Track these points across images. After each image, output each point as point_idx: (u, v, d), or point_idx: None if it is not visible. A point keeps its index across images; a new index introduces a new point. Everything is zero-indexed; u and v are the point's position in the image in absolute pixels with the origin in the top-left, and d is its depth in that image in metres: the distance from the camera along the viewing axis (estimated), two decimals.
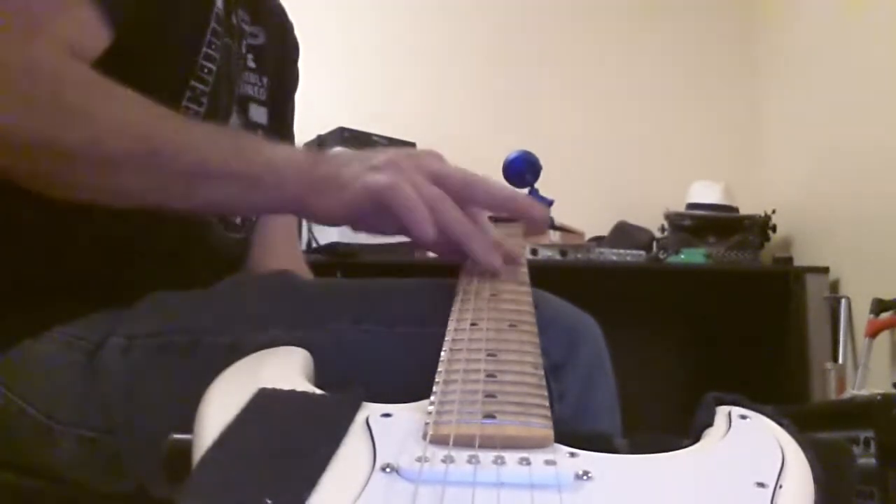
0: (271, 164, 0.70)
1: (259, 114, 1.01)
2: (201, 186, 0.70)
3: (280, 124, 1.07)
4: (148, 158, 0.69)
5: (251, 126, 1.00)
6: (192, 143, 0.70)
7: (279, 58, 1.07)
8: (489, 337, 0.58)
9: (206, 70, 0.87)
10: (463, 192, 0.69)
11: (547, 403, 0.49)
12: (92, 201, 0.71)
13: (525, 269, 0.71)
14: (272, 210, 0.83)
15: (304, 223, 2.58)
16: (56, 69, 0.71)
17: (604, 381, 0.72)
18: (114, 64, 0.78)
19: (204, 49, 0.87)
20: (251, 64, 1.01)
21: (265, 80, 1.02)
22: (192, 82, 0.86)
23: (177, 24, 0.85)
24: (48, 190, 0.71)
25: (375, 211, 0.67)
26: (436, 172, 0.69)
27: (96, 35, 0.77)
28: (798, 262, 2.99)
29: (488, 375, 0.52)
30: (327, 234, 2.55)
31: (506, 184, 1.07)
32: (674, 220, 3.02)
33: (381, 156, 0.69)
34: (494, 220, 0.91)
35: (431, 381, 0.52)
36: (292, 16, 1.12)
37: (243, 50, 0.99)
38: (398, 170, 0.67)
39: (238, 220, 0.97)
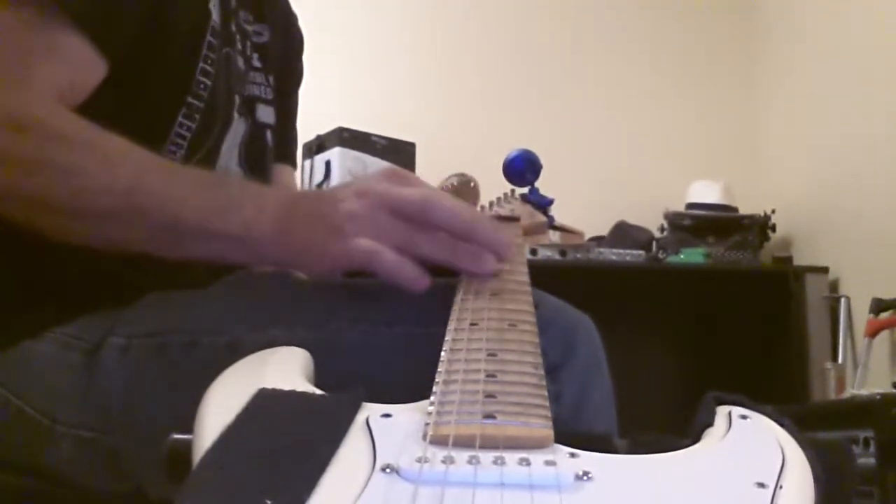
0: (248, 226, 0.69)
1: (266, 114, 1.01)
2: (185, 242, 0.71)
3: (285, 122, 1.07)
4: (131, 214, 0.69)
5: (259, 127, 1.00)
6: (175, 199, 0.69)
7: (284, 54, 1.07)
8: (489, 337, 0.58)
9: (202, 86, 0.87)
10: (421, 216, 0.69)
11: (547, 403, 0.49)
12: (82, 245, 0.71)
13: (525, 269, 0.71)
14: (261, 266, 0.80)
15: None
16: (41, 123, 0.71)
17: (600, 382, 0.72)
18: (109, 87, 0.78)
19: (200, 65, 0.87)
20: (256, 63, 1.01)
21: (271, 78, 1.02)
22: (189, 99, 0.86)
23: (172, 45, 0.85)
24: (38, 232, 0.71)
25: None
26: (394, 202, 0.68)
27: (91, 69, 0.77)
28: (798, 262, 2.99)
29: (488, 375, 0.52)
30: None
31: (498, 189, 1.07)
32: (673, 219, 3.02)
33: (342, 207, 0.69)
34: (492, 218, 0.91)
35: (431, 381, 0.52)
36: (301, 29, 1.12)
37: (248, 51, 0.99)
38: (361, 222, 0.68)
39: None
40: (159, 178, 0.71)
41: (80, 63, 0.76)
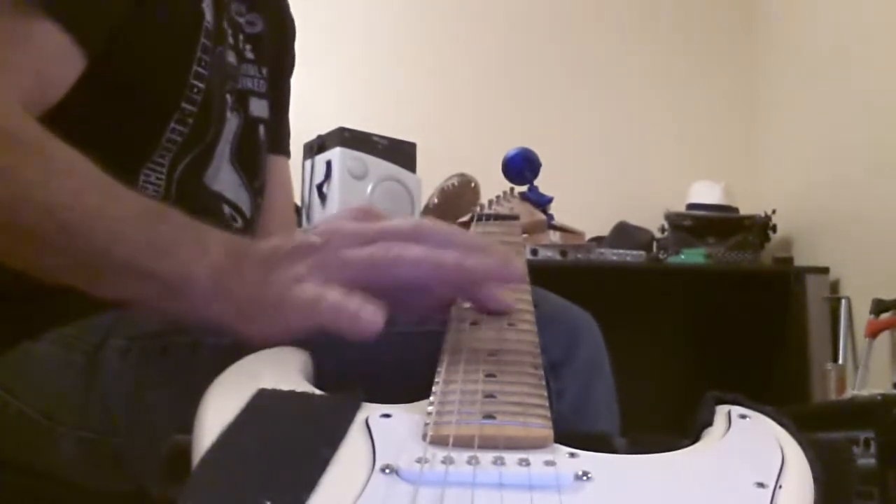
0: (183, 272, 0.61)
1: (259, 107, 1.01)
2: (108, 278, 0.63)
3: (278, 112, 1.06)
4: (55, 235, 0.62)
5: (252, 121, 0.99)
6: (106, 227, 0.62)
7: (277, 43, 1.06)
8: (489, 336, 0.58)
9: (195, 90, 0.86)
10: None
11: (547, 404, 0.49)
12: (9, 266, 0.66)
13: (525, 269, 0.71)
14: (200, 322, 0.64)
15: (304, 220, 2.58)
16: None
17: (602, 379, 0.72)
18: (101, 91, 0.77)
19: (194, 68, 0.85)
20: (249, 55, 0.99)
21: (265, 70, 1.01)
22: (183, 104, 0.85)
23: (165, 49, 0.84)
24: None
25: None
26: (372, 233, 0.60)
27: (67, 62, 0.73)
28: (798, 263, 2.99)
29: (488, 375, 0.52)
30: None
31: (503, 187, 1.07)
32: (674, 220, 3.02)
33: (303, 253, 0.60)
34: (491, 217, 0.90)
35: (431, 381, 0.52)
36: (294, 14, 1.12)
37: (240, 44, 0.98)
38: (324, 269, 0.58)
39: (239, 223, 0.97)
40: (97, 199, 0.63)
41: (51, 53, 0.72)
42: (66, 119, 0.69)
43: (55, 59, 0.73)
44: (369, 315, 0.56)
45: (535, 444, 0.45)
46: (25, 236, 0.63)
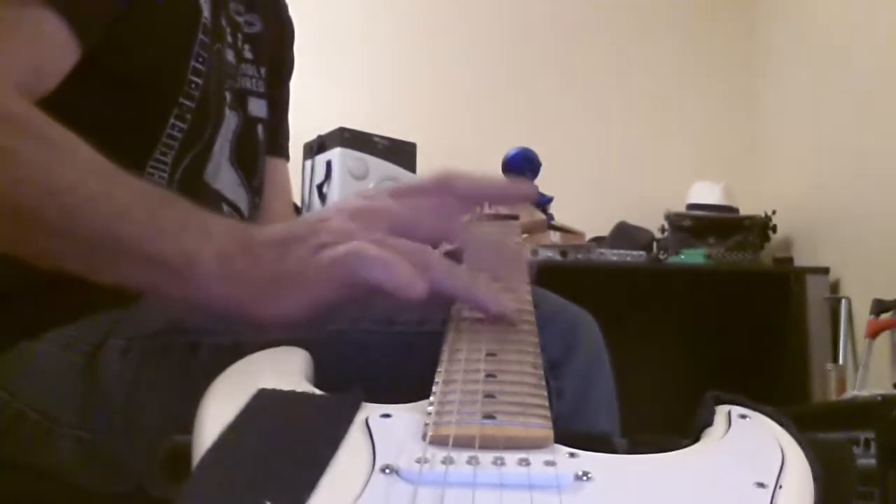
0: (188, 255, 0.60)
1: (258, 107, 1.01)
2: (114, 263, 0.62)
3: (277, 114, 1.06)
4: (57, 219, 0.61)
5: (250, 121, 0.99)
6: (108, 211, 0.61)
7: (276, 44, 1.06)
8: (489, 336, 0.58)
9: (193, 85, 0.86)
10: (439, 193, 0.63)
11: (547, 404, 0.49)
12: (12, 254, 0.65)
13: (525, 268, 0.71)
14: (207, 309, 0.63)
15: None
16: None
17: (602, 378, 0.72)
18: (99, 87, 0.77)
19: (192, 64, 0.86)
20: (248, 55, 0.99)
21: (263, 70, 1.01)
22: (181, 99, 0.85)
23: (162, 45, 0.84)
24: None
25: (348, 293, 0.59)
26: (397, 215, 0.61)
27: (63, 51, 0.73)
28: (798, 263, 2.99)
29: (488, 375, 0.52)
30: None
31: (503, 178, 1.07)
32: (674, 220, 3.02)
33: (325, 226, 0.60)
34: (491, 217, 0.90)
35: (431, 381, 0.52)
36: (293, 15, 1.12)
37: (239, 43, 0.98)
38: (351, 236, 0.59)
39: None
40: (99, 182, 0.62)
41: (49, 43, 0.72)
42: (67, 117, 0.69)
43: (52, 48, 0.73)
44: (416, 277, 0.56)
45: (535, 444, 0.45)
46: (27, 220, 0.62)
